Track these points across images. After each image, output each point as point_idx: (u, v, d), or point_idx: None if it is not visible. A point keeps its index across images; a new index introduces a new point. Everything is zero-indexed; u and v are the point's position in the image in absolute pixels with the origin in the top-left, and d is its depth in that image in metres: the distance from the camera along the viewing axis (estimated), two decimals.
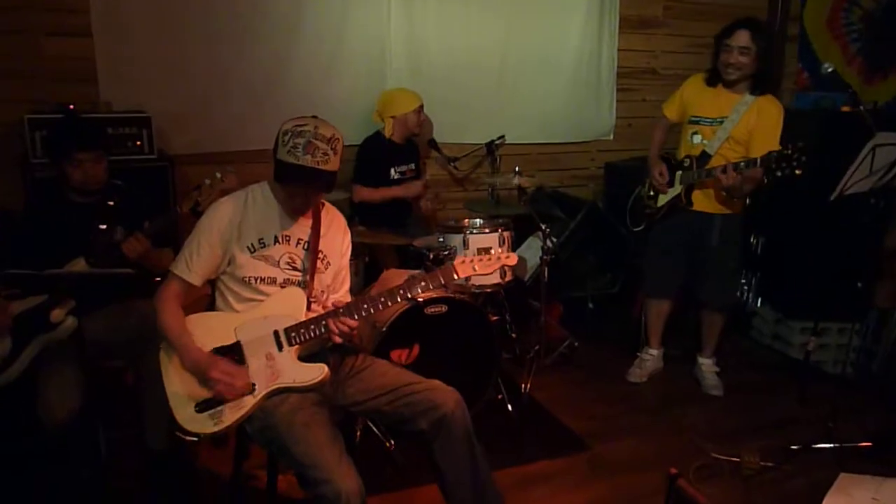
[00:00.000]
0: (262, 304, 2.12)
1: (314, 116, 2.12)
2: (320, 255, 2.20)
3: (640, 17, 4.86)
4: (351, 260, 3.44)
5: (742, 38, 3.14)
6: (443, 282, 2.15)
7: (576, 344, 3.86)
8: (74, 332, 2.42)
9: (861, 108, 2.87)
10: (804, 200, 3.84)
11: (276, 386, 2.03)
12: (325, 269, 2.23)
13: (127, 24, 3.62)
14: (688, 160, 3.32)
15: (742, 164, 3.07)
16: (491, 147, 4.37)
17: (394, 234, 3.54)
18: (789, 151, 2.88)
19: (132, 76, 3.66)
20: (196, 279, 2.10)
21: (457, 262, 2.18)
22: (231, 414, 2.00)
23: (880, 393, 3.49)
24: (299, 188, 2.08)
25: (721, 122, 3.24)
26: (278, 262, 2.13)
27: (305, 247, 2.18)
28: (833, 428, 2.93)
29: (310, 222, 2.21)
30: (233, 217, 2.10)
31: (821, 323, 3.50)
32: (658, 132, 3.57)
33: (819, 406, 3.24)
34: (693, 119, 3.34)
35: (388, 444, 2.89)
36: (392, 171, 3.90)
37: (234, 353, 2.07)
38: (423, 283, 2.15)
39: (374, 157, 3.89)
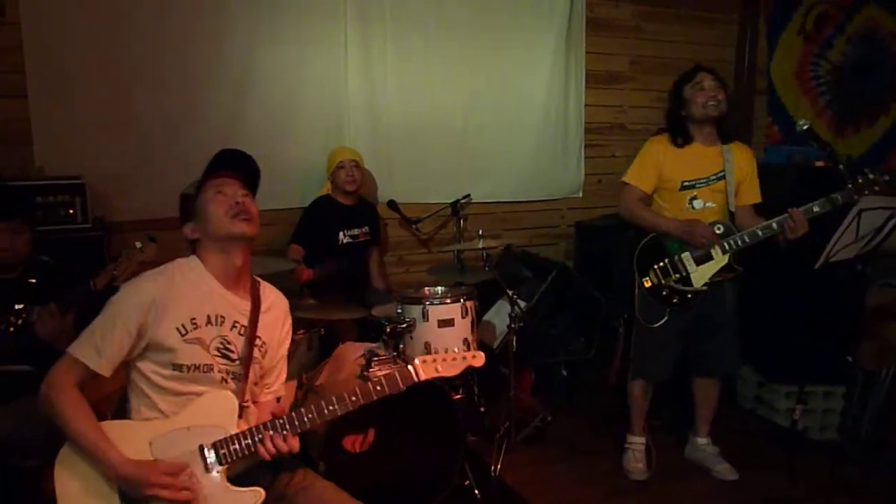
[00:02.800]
0: (185, 410, 1.80)
1: None
2: (258, 343, 1.93)
3: (607, 73, 4.78)
4: (305, 332, 3.26)
5: (707, 77, 2.98)
6: (402, 386, 1.90)
7: (549, 418, 3.60)
8: None
9: (840, 166, 2.72)
10: (783, 259, 3.69)
11: None
12: (262, 357, 1.96)
13: (66, 83, 3.45)
14: (720, 227, 2.95)
15: (816, 207, 2.76)
16: (456, 207, 4.20)
17: (348, 305, 3.29)
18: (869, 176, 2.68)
19: (71, 138, 3.46)
20: (105, 368, 1.75)
21: (418, 362, 1.94)
22: None
23: (873, 463, 3.27)
24: (228, 177, 1.91)
25: (720, 178, 2.99)
26: (209, 347, 1.84)
27: (242, 332, 1.90)
28: None
29: (248, 305, 1.94)
30: (156, 294, 1.79)
31: (806, 387, 3.31)
32: (641, 205, 3.09)
33: (810, 480, 3.02)
34: (686, 184, 3.00)
35: None
36: (341, 234, 3.70)
37: None
38: (378, 388, 1.88)
39: (320, 218, 3.71)
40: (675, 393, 3.48)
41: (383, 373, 1.90)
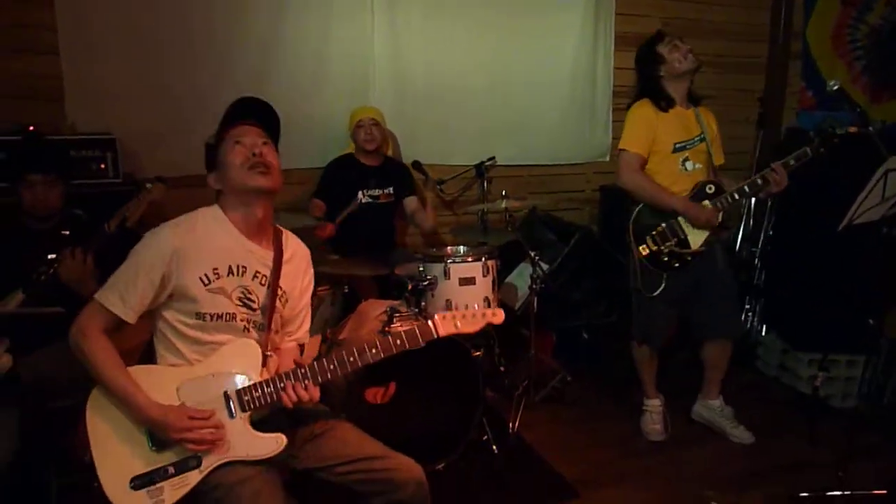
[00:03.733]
0: (211, 357, 1.85)
1: None
2: (280, 293, 1.96)
3: (637, 35, 4.66)
4: (328, 289, 3.31)
5: (675, 37, 3.06)
6: (421, 341, 1.91)
7: (568, 378, 3.63)
8: (10, 371, 2.23)
9: (870, 128, 2.67)
10: (809, 224, 3.64)
11: (226, 460, 1.78)
12: (284, 306, 1.99)
13: (97, 42, 3.48)
14: (711, 186, 3.01)
15: (791, 160, 2.85)
16: (480, 169, 4.19)
17: (372, 262, 3.33)
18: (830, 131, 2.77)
19: (101, 96, 3.51)
20: (131, 315, 1.79)
21: (437, 318, 1.94)
22: (172, 492, 1.74)
23: (895, 430, 3.25)
24: (248, 126, 1.93)
25: (702, 139, 3.05)
26: (231, 296, 1.87)
27: (263, 282, 1.93)
28: (844, 476, 2.69)
29: (270, 254, 1.96)
30: (178, 243, 1.81)
31: (829, 355, 3.29)
32: (646, 178, 3.05)
33: (830, 447, 3.01)
34: (679, 146, 3.03)
35: None
36: (360, 193, 3.70)
37: None
38: (398, 342, 1.90)
39: (339, 176, 3.73)
40: (680, 359, 3.49)
41: (404, 328, 1.92)
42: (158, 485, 1.74)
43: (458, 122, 4.26)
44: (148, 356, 1.97)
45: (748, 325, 4.32)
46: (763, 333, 4.18)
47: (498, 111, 4.35)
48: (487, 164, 4.22)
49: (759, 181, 2.92)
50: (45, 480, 2.51)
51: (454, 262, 3.06)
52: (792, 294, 3.89)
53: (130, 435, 1.79)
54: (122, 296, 1.78)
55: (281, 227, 2.07)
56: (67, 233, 2.61)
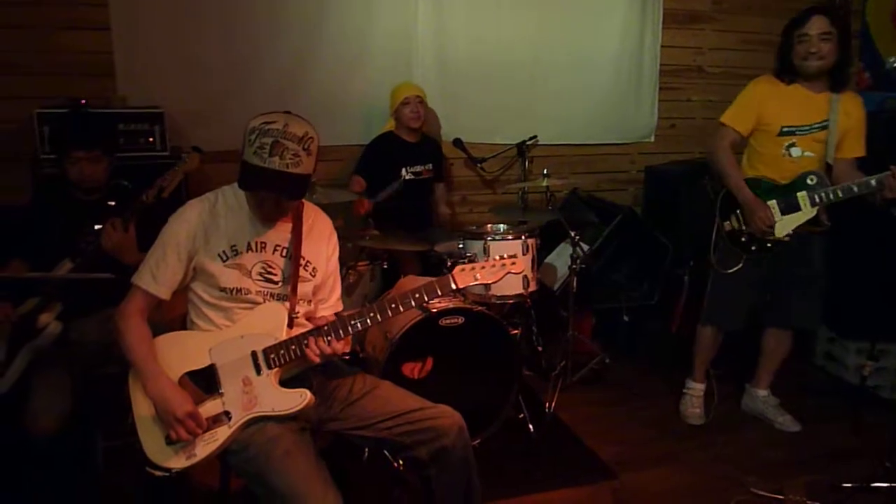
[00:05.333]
0: (238, 321, 1.93)
1: (287, 112, 1.89)
2: (303, 262, 2.00)
3: (687, 12, 4.57)
4: (368, 264, 3.34)
5: (820, 23, 2.74)
6: (440, 292, 1.93)
7: (607, 360, 3.60)
8: (61, 336, 2.30)
9: None
10: (863, 209, 3.51)
11: (254, 415, 1.85)
12: (311, 276, 2.03)
13: (146, 17, 3.55)
14: (814, 177, 2.83)
15: None
16: (522, 148, 4.16)
17: (412, 239, 3.34)
18: None
19: (150, 71, 3.58)
20: (164, 292, 1.90)
21: (456, 270, 1.96)
22: (204, 448, 1.82)
23: None
24: (267, 194, 1.87)
25: (822, 128, 2.83)
26: (250, 272, 1.93)
27: (284, 254, 1.98)
28: (891, 467, 2.61)
29: (289, 226, 2.00)
30: (200, 222, 1.90)
31: (878, 344, 3.19)
32: (728, 154, 2.95)
33: (875, 438, 2.93)
34: (786, 130, 2.85)
35: (396, 465, 2.70)
36: (403, 170, 3.70)
37: (207, 377, 1.88)
38: (417, 296, 1.93)
39: (382, 154, 3.73)
40: (740, 342, 3.41)
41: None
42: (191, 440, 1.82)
43: (501, 100, 4.22)
44: (184, 320, 2.06)
45: None
46: None
47: (541, 90, 4.30)
48: (529, 143, 4.18)
49: (874, 182, 2.68)
50: (92, 442, 2.60)
51: (494, 239, 3.05)
52: (840, 280, 3.78)
53: None
54: (154, 275, 1.89)
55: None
56: (113, 203, 2.66)
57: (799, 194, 2.84)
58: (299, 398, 1.86)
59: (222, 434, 1.83)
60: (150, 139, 3.27)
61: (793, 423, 3.15)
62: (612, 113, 4.48)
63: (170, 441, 1.82)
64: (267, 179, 1.78)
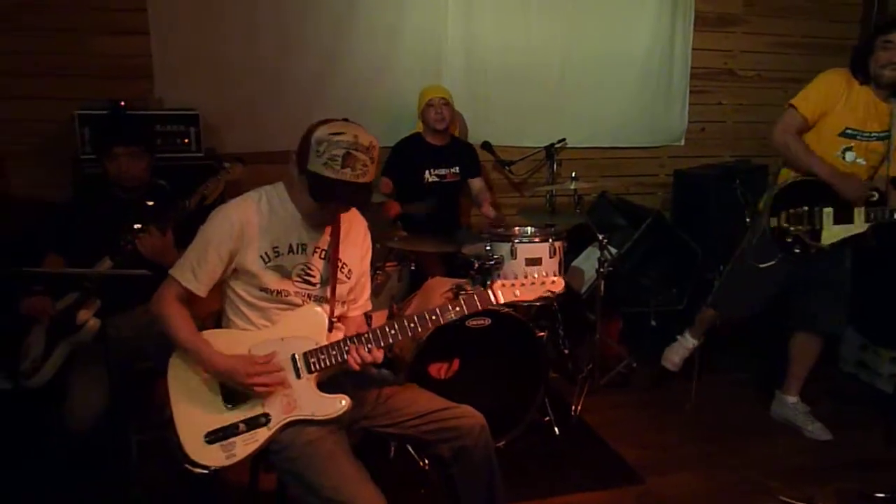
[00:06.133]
0: (279, 322, 1.95)
1: (346, 120, 1.94)
2: (340, 265, 2.03)
3: (718, 15, 4.54)
4: (395, 265, 3.37)
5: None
6: (479, 307, 1.95)
7: (634, 364, 3.59)
8: (99, 332, 2.36)
9: None
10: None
11: (293, 418, 1.87)
12: (347, 278, 2.06)
13: (182, 22, 3.64)
14: (875, 193, 2.81)
15: None
16: (550, 151, 4.16)
17: (438, 240, 3.37)
18: None
19: (185, 74, 3.67)
20: (202, 289, 1.92)
21: (497, 285, 1.96)
22: (244, 447, 1.86)
23: None
24: (337, 204, 1.91)
25: (881, 138, 2.80)
26: (290, 273, 1.96)
27: (323, 255, 2.00)
28: None
29: (328, 229, 2.02)
30: (243, 222, 1.89)
31: None
32: (800, 139, 2.84)
33: None
34: (849, 132, 2.80)
35: (422, 464, 2.74)
36: (427, 173, 3.74)
37: None
38: (457, 309, 1.93)
39: (407, 156, 3.77)
40: (763, 348, 3.38)
41: (465, 297, 1.95)
42: (231, 440, 1.85)
43: (530, 103, 4.24)
44: (220, 323, 2.08)
45: None
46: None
47: (570, 93, 4.31)
48: (558, 145, 4.18)
49: None
50: (126, 436, 2.66)
51: (521, 241, 3.06)
52: (874, 288, 3.72)
53: (206, 394, 1.91)
54: (194, 271, 1.91)
55: None
56: (152, 203, 2.72)
57: (857, 209, 2.81)
58: (338, 404, 1.89)
59: (262, 435, 1.86)
60: (186, 140, 3.36)
61: (823, 432, 3.11)
62: (642, 116, 4.48)
63: (210, 439, 1.85)
64: (340, 191, 1.81)
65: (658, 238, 4.05)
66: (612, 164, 4.54)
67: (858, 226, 2.82)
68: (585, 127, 4.35)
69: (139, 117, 3.24)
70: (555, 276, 2.00)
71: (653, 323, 4.03)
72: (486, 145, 4.08)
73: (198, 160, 3.35)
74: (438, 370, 2.79)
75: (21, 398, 2.65)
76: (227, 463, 1.85)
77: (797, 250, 2.87)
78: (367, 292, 2.20)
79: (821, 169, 2.80)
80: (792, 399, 3.23)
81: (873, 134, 2.80)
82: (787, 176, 2.92)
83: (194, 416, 1.89)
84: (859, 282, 3.63)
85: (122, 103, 3.34)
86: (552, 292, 1.98)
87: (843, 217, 2.82)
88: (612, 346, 3.72)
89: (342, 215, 2.04)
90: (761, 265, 2.88)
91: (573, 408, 3.22)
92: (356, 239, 2.11)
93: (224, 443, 1.85)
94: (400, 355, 2.84)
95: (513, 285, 1.96)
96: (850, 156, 2.83)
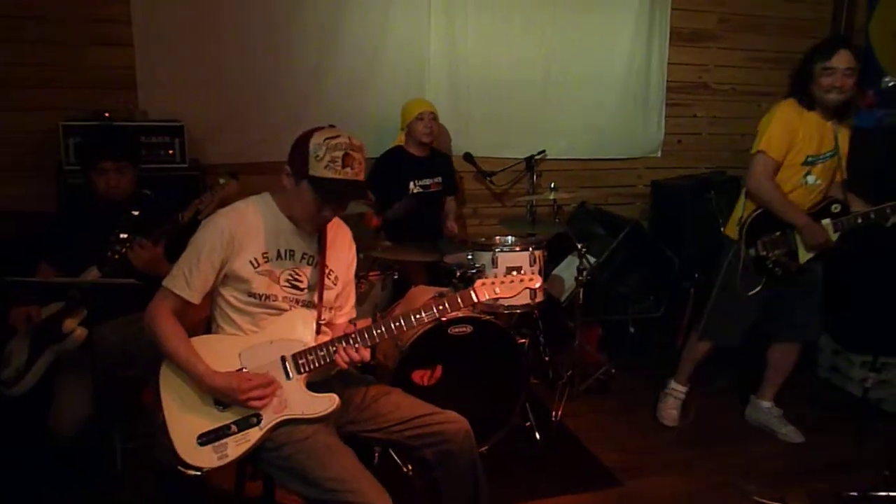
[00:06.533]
0: (267, 327, 2.01)
1: (332, 126, 2.04)
2: (327, 271, 2.09)
3: (693, 30, 4.66)
4: (379, 275, 3.42)
5: (846, 58, 2.78)
6: (461, 305, 2.04)
7: (613, 370, 3.67)
8: (86, 341, 2.38)
9: None
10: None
11: (284, 417, 1.92)
12: (333, 284, 2.12)
13: (166, 34, 3.67)
14: (838, 206, 2.95)
15: None
16: (531, 162, 4.24)
17: (422, 250, 3.42)
18: None
19: (170, 86, 3.70)
20: (195, 297, 1.97)
21: (477, 284, 2.06)
22: (236, 448, 1.89)
23: None
24: (340, 202, 2.00)
25: (832, 156, 2.93)
26: (279, 279, 2.01)
27: (311, 262, 2.07)
28: (890, 476, 2.66)
29: (315, 236, 2.09)
30: (233, 230, 1.97)
31: (882, 358, 3.23)
32: (776, 184, 2.92)
33: (878, 450, 2.98)
34: (810, 159, 2.91)
35: (405, 469, 2.77)
36: (411, 184, 3.80)
37: None
38: (440, 308, 2.03)
39: (391, 168, 3.82)
40: (742, 356, 3.46)
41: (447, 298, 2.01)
42: (223, 441, 1.90)
43: (510, 115, 4.32)
44: (209, 325, 2.14)
45: None
46: None
47: (550, 105, 4.39)
48: (538, 157, 4.26)
49: (889, 211, 2.85)
50: (111, 442, 2.68)
51: (502, 251, 3.12)
52: (845, 294, 3.82)
53: (197, 398, 1.95)
54: (188, 280, 1.96)
55: None
56: (137, 213, 2.74)
57: (823, 222, 2.92)
58: (328, 402, 1.94)
59: (253, 435, 1.90)
60: (171, 151, 3.39)
61: (796, 435, 3.20)
62: (620, 128, 4.57)
63: (202, 441, 1.89)
64: (344, 189, 1.93)
65: (636, 247, 4.14)
66: (591, 175, 4.63)
67: (830, 238, 2.93)
68: (565, 139, 4.43)
69: (126, 129, 3.25)
70: (540, 271, 2.06)
71: (631, 330, 4.12)
72: (468, 156, 4.15)
73: (183, 171, 3.38)
74: (422, 377, 2.83)
75: (2, 406, 2.65)
76: (219, 464, 1.88)
77: (779, 272, 2.97)
78: (353, 300, 2.26)
79: (796, 219, 2.91)
80: (766, 404, 3.31)
81: (827, 154, 2.93)
82: (752, 207, 3.01)
83: (186, 420, 1.92)
84: (830, 287, 3.75)
85: (107, 114, 3.36)
86: (530, 289, 2.08)
87: None
88: (592, 352, 3.79)
89: (328, 224, 2.10)
90: (750, 293, 2.97)
91: (553, 413, 3.28)
92: (342, 246, 2.18)
93: (216, 444, 1.89)
94: (384, 363, 2.88)
95: (493, 283, 2.05)
96: (811, 179, 2.94)
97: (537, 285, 2.13)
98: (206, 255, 1.95)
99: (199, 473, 1.88)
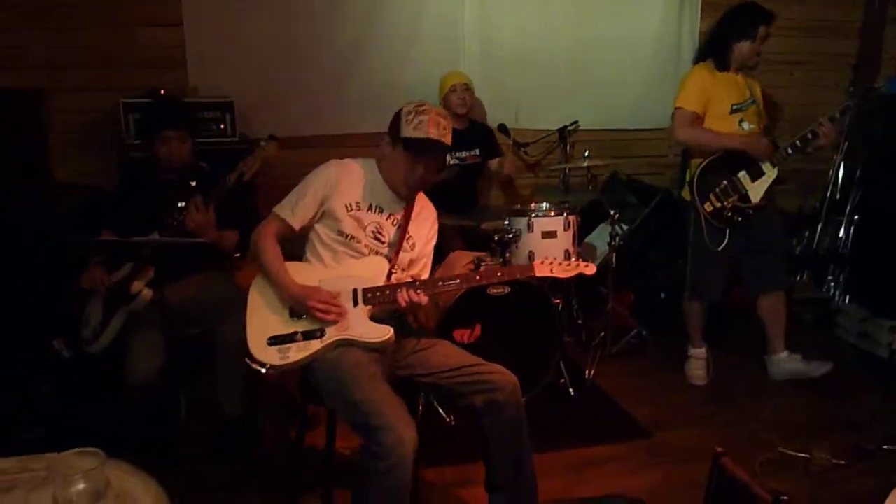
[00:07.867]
0: (348, 263, 2.27)
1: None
2: (407, 236, 2.33)
3: None
4: None
5: (768, 32, 3.26)
6: (519, 277, 2.26)
7: (644, 333, 3.80)
8: (156, 300, 2.58)
9: None
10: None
11: (344, 336, 2.15)
12: (410, 249, 2.36)
13: (213, 13, 3.84)
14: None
15: (837, 113, 3.16)
16: (563, 133, 4.33)
17: (459, 216, 3.58)
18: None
19: (217, 63, 3.87)
20: (296, 223, 2.27)
21: (537, 262, 2.32)
22: (297, 353, 2.13)
23: None
24: (430, 159, 2.26)
25: (753, 102, 3.32)
26: (365, 227, 2.28)
27: (395, 223, 2.33)
28: None
29: (404, 203, 2.35)
30: (339, 176, 2.29)
31: None
32: (700, 128, 3.28)
33: None
34: (736, 108, 3.28)
35: (448, 420, 2.96)
36: (448, 156, 3.90)
37: None
38: (499, 274, 2.42)
39: None
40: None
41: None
42: (287, 345, 2.15)
43: (544, 86, 4.41)
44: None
45: (831, 293, 4.36)
46: (846, 302, 4.21)
47: (583, 76, 4.47)
48: (571, 128, 4.35)
49: (809, 135, 3.16)
50: (177, 397, 2.90)
51: (537, 216, 3.27)
52: (874, 260, 3.90)
53: (276, 307, 2.24)
54: (293, 208, 2.29)
55: None
56: (194, 183, 2.92)
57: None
58: (384, 331, 2.17)
59: (314, 346, 2.14)
60: (222, 126, 3.59)
61: (822, 365, 3.39)
62: (652, 98, 4.60)
63: (271, 342, 2.15)
64: (432, 146, 2.21)
65: (666, 215, 4.23)
66: (623, 145, 4.71)
67: (770, 174, 3.23)
68: (597, 110, 4.50)
69: (182, 103, 3.45)
70: (589, 262, 2.29)
71: (662, 295, 4.23)
72: (502, 127, 4.26)
73: (234, 144, 3.57)
74: (462, 335, 3.00)
75: (83, 364, 2.87)
76: (280, 363, 2.13)
77: (739, 219, 3.22)
78: (427, 270, 2.48)
79: (731, 140, 3.24)
80: (782, 354, 3.46)
81: (747, 101, 3.29)
82: (695, 166, 3.29)
83: (263, 322, 2.20)
84: (860, 254, 3.82)
85: (162, 91, 3.55)
86: (584, 275, 2.30)
87: (755, 173, 3.24)
88: (624, 316, 3.92)
89: (417, 199, 2.37)
90: (720, 248, 3.23)
91: (587, 372, 3.43)
92: (424, 221, 2.44)
93: (281, 346, 2.15)
94: (425, 323, 3.05)
95: (551, 263, 2.30)
96: (745, 125, 3.29)
97: (591, 273, 2.33)
98: (313, 191, 2.27)
99: (262, 370, 2.12)
